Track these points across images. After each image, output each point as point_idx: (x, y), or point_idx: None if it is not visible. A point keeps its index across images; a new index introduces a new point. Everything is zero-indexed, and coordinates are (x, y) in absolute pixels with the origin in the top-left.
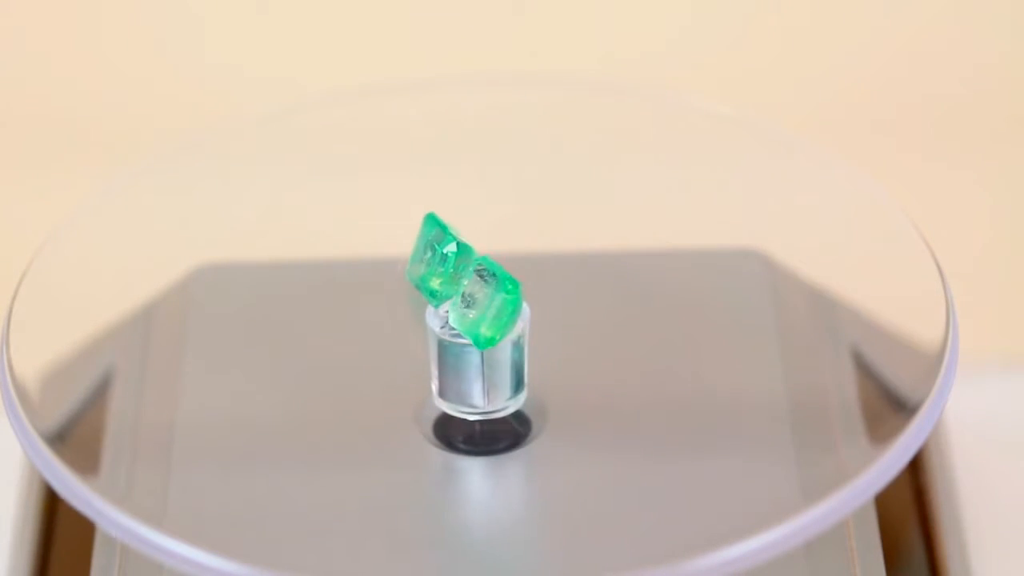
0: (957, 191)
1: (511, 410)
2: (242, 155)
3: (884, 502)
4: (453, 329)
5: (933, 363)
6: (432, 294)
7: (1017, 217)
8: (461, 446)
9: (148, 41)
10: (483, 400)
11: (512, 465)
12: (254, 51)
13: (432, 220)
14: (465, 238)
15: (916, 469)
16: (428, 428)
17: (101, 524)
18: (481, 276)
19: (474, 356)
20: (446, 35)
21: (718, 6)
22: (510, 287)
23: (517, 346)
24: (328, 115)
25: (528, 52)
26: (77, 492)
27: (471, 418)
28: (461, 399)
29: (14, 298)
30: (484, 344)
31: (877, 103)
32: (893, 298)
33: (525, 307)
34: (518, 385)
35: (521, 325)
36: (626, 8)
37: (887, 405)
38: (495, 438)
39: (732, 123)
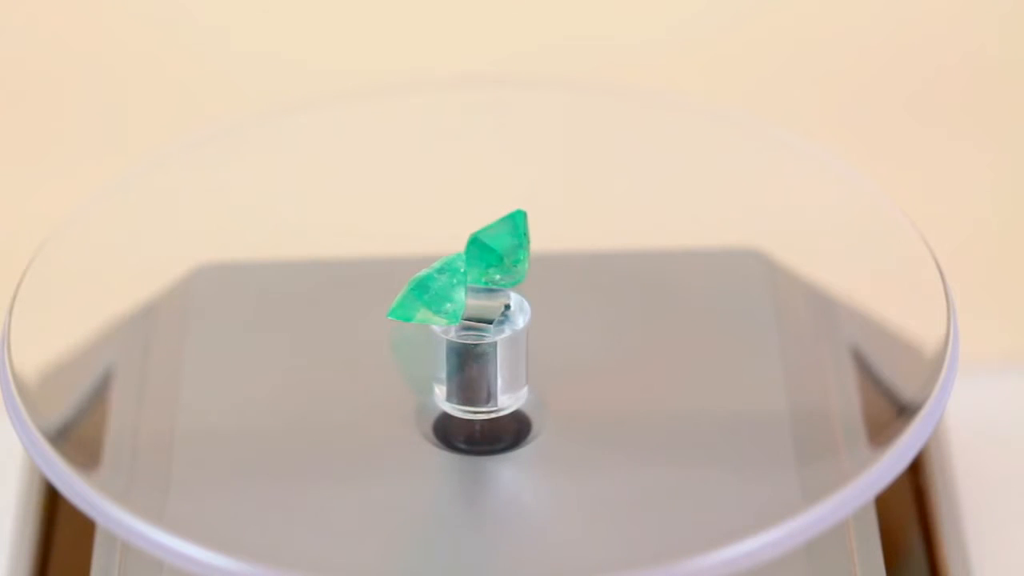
0: (957, 190)
1: (511, 410)
2: (243, 154)
3: (884, 502)
4: (453, 327)
5: (934, 364)
6: None
7: (1017, 214)
8: (461, 446)
9: (148, 38)
10: (483, 400)
11: (512, 465)
12: (255, 49)
13: (519, 216)
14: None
15: (916, 469)
16: (428, 428)
17: (101, 521)
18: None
19: (475, 355)
20: (446, 35)
21: (717, 5)
22: (422, 291)
23: (517, 346)
24: (328, 114)
25: (527, 52)
26: (77, 489)
27: (471, 418)
28: (461, 399)
29: (15, 297)
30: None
31: (877, 100)
32: (893, 298)
33: (526, 306)
34: (518, 385)
35: (521, 323)
36: (626, 7)
37: (887, 406)
38: (495, 438)
39: (731, 123)
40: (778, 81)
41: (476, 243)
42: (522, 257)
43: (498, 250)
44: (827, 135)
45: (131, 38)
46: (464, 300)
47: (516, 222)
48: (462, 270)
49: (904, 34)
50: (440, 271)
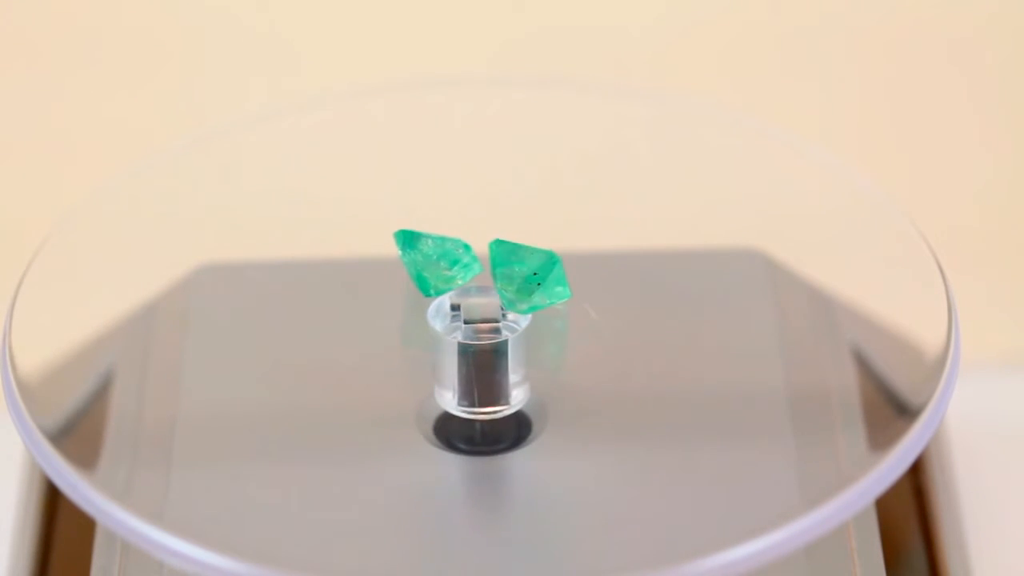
0: (957, 189)
1: (512, 410)
2: (242, 155)
3: (884, 502)
4: (454, 327)
5: (935, 365)
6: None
7: (1018, 213)
8: (461, 446)
9: (148, 41)
10: (484, 400)
11: (512, 465)
12: (256, 49)
13: (555, 260)
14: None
15: (916, 469)
16: (428, 428)
17: (101, 520)
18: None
19: (475, 356)
20: (447, 34)
21: (717, 5)
22: (406, 240)
23: (519, 346)
24: (329, 114)
25: (525, 49)
26: (78, 488)
27: (472, 418)
28: (462, 398)
29: (16, 296)
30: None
31: (877, 99)
32: (894, 298)
33: None
34: (519, 385)
35: (522, 323)
36: (626, 7)
37: (888, 407)
38: (495, 438)
39: (733, 123)
40: (775, 74)
41: (497, 247)
42: (528, 295)
43: (508, 270)
44: (828, 133)
45: (131, 41)
46: (443, 278)
47: (547, 264)
48: (458, 256)
49: (904, 28)
50: (435, 240)
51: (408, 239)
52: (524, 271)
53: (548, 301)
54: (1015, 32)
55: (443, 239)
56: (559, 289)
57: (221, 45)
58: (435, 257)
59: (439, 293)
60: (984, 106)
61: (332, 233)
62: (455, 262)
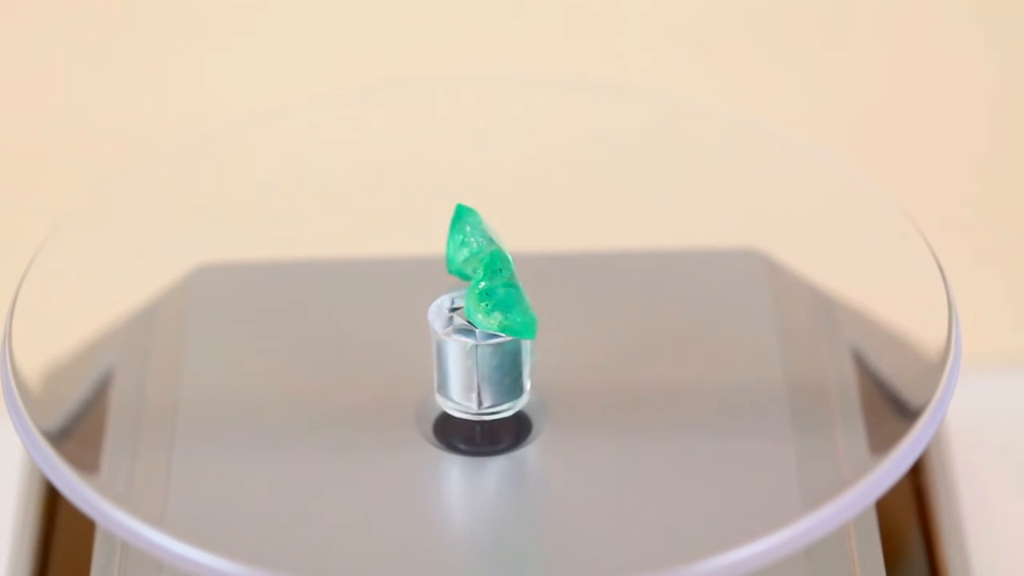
0: (957, 189)
1: (513, 411)
2: (242, 154)
3: (884, 503)
4: (454, 328)
5: (935, 366)
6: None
7: (1018, 211)
8: (461, 446)
9: (146, 43)
10: (484, 400)
11: (512, 465)
12: (256, 50)
13: (512, 292)
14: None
15: (916, 469)
16: (428, 428)
17: (101, 522)
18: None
19: (476, 356)
20: (447, 35)
21: (718, 5)
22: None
23: (519, 347)
24: (328, 114)
25: (528, 52)
26: (77, 490)
27: (472, 418)
28: (462, 399)
29: (16, 297)
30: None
31: (877, 98)
32: (894, 298)
33: None
34: (520, 386)
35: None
36: (625, 8)
37: (889, 407)
38: (495, 438)
39: (732, 123)
40: (775, 73)
41: (489, 257)
42: (483, 310)
43: (487, 282)
44: (828, 132)
45: (129, 42)
46: (466, 264)
47: (505, 291)
48: (484, 258)
49: (903, 25)
50: (475, 234)
51: (460, 218)
52: (487, 287)
53: (506, 328)
54: (1014, 24)
55: (483, 235)
56: (524, 328)
57: (222, 45)
58: (463, 247)
59: (459, 275)
60: (984, 104)
61: (332, 233)
62: (481, 260)
